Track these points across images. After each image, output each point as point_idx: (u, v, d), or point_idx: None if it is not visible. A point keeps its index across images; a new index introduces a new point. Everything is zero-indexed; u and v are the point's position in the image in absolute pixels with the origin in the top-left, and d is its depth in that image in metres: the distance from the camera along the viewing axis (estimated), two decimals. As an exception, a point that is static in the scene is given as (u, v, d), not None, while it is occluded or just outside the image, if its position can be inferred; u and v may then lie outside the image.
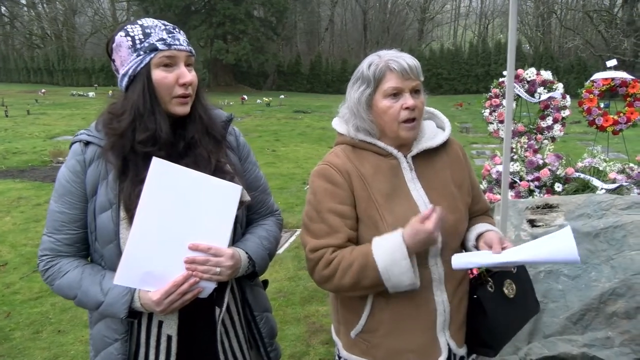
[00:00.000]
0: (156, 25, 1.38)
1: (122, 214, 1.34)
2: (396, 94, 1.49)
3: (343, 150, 1.59)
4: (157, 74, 1.34)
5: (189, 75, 1.37)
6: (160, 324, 1.41)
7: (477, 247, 1.58)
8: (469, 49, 30.28)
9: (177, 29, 1.41)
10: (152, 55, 1.34)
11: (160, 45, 1.34)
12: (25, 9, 41.91)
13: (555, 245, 1.40)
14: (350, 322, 1.60)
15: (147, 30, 1.36)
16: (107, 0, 39.72)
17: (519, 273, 1.71)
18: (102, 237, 1.37)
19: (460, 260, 1.48)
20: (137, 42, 1.35)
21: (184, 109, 1.38)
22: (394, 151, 1.55)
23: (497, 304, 1.60)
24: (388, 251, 1.42)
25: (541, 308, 2.78)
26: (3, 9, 41.87)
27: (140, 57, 1.34)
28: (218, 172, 1.40)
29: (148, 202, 1.30)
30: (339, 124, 1.63)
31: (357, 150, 1.58)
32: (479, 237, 1.60)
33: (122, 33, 1.37)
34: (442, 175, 1.59)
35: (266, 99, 21.44)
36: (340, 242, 1.49)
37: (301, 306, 3.89)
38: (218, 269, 1.35)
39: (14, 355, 3.35)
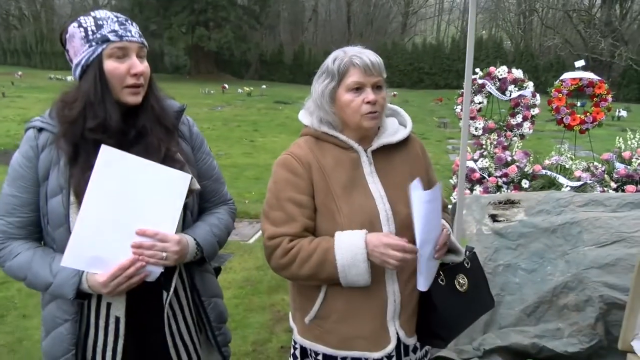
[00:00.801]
0: (108, 17, 1.41)
1: (72, 198, 1.38)
2: (358, 88, 1.55)
3: (306, 142, 1.65)
4: (109, 65, 1.38)
5: (141, 66, 1.41)
6: (108, 305, 1.45)
7: None
8: (451, 44, 30.49)
9: (129, 21, 1.45)
10: (104, 46, 1.37)
11: (112, 37, 1.38)
12: (3, -12, 40.85)
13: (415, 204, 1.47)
14: (305, 308, 1.66)
15: (100, 22, 1.39)
16: (88, -17, 38.92)
17: (473, 268, 1.77)
18: (53, 220, 1.40)
19: (425, 280, 1.56)
20: (90, 33, 1.38)
21: (136, 99, 1.42)
22: (355, 145, 1.61)
23: (447, 297, 1.66)
24: (349, 252, 1.49)
25: (498, 301, 2.88)
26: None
27: (93, 47, 1.38)
28: (168, 160, 1.44)
29: (96, 188, 1.34)
30: (304, 116, 1.69)
31: (320, 142, 1.63)
32: None
33: (75, 24, 1.40)
34: (400, 171, 1.65)
35: (247, 89, 21.33)
36: (296, 230, 1.55)
37: (267, 295, 3.94)
38: (164, 254, 1.40)
39: (-23, 339, 3.34)
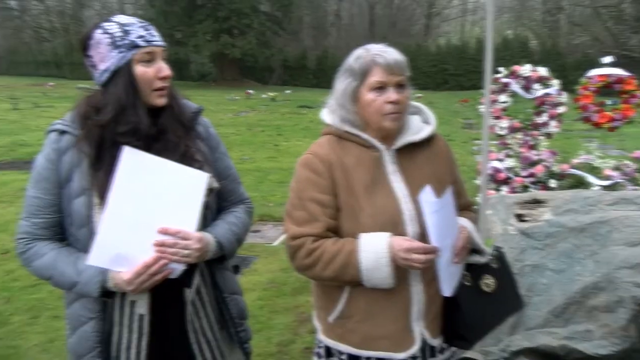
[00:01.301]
0: (133, 23, 1.46)
1: (96, 200, 1.42)
2: (381, 87, 1.53)
3: (328, 141, 1.64)
4: (139, 70, 1.43)
5: (168, 69, 1.46)
6: (132, 303, 1.48)
7: None
8: (476, 44, 30.10)
9: (151, 26, 1.50)
10: (133, 52, 1.42)
11: (140, 42, 1.43)
12: (35, 2, 42.10)
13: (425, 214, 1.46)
14: (328, 307, 1.66)
15: (126, 28, 1.44)
16: (115, -6, 39.85)
17: (500, 268, 1.74)
18: (76, 221, 1.45)
19: (448, 285, 1.54)
20: (117, 39, 1.42)
21: (163, 101, 1.48)
22: (377, 143, 1.60)
23: (472, 298, 1.64)
24: (372, 255, 1.48)
25: (525, 301, 2.82)
26: (13, 2, 42.12)
27: (122, 53, 1.42)
28: (187, 159, 1.48)
29: (119, 188, 1.38)
30: (326, 115, 1.68)
31: (341, 141, 1.62)
32: None
33: (99, 30, 1.44)
34: (423, 170, 1.63)
35: (271, 94, 21.45)
36: (319, 230, 1.55)
37: (292, 297, 3.95)
38: (186, 252, 1.43)
39: (12, 339, 3.45)
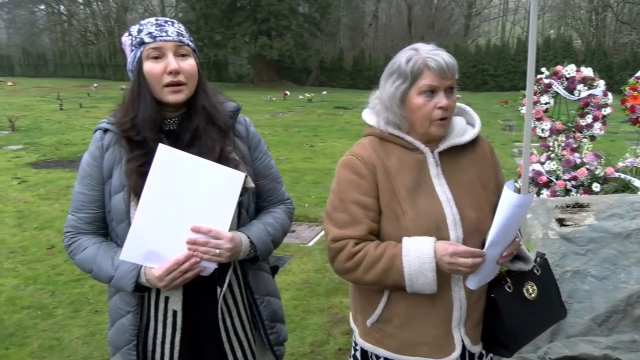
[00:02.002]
0: (148, 22, 1.48)
1: (132, 195, 1.45)
2: (431, 91, 1.49)
3: (370, 142, 1.61)
4: (147, 66, 1.44)
5: (174, 63, 1.43)
6: (166, 299, 1.51)
7: None
8: (517, 44, 29.43)
9: (169, 22, 1.49)
10: (141, 48, 1.44)
11: (146, 39, 1.44)
12: (82, 7, 43.63)
13: (502, 203, 1.41)
14: (367, 311, 1.63)
15: (140, 27, 1.47)
16: (157, -2, 40.90)
17: (543, 275, 1.70)
18: (116, 216, 1.49)
19: (477, 280, 1.50)
20: (133, 39, 1.46)
21: (176, 97, 1.46)
22: (421, 146, 1.56)
23: (514, 305, 1.60)
24: (417, 261, 1.44)
25: (566, 308, 2.74)
26: (62, 7, 43.78)
27: (133, 52, 1.46)
28: (222, 160, 1.48)
29: (153, 185, 1.40)
30: (369, 116, 1.65)
31: (384, 142, 1.59)
32: None
33: (127, 34, 1.50)
34: (467, 173, 1.59)
35: (308, 95, 21.53)
36: (361, 233, 1.52)
37: (326, 297, 3.96)
38: (218, 251, 1.43)
39: (56, 331, 3.59)
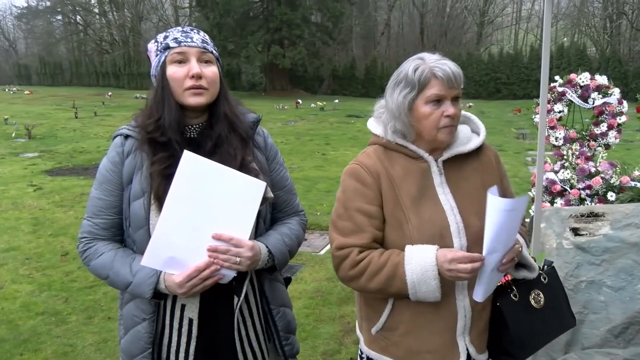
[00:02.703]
0: (175, 29, 1.51)
1: (153, 201, 1.46)
2: (438, 100, 1.50)
3: (375, 151, 1.62)
4: (170, 69, 1.47)
5: (197, 67, 1.46)
6: (183, 307, 1.51)
7: None
8: (530, 52, 29.29)
9: (195, 30, 1.52)
10: (166, 53, 1.47)
11: (172, 44, 1.47)
12: (98, 17, 44.34)
13: (490, 210, 1.40)
14: (372, 319, 1.64)
15: (167, 34, 1.50)
16: (171, 7, 41.43)
17: (551, 284, 1.68)
18: (135, 222, 1.48)
19: (483, 291, 1.49)
20: (159, 44, 1.49)
21: (197, 100, 1.47)
22: (425, 154, 1.57)
23: (520, 314, 1.59)
24: (419, 268, 1.45)
25: (581, 319, 2.70)
26: (78, 17, 44.55)
27: (158, 56, 1.48)
28: (244, 169, 1.48)
29: (177, 192, 1.40)
30: (374, 125, 1.66)
31: (388, 151, 1.60)
32: None
33: (153, 41, 1.53)
34: (472, 181, 1.59)
35: (320, 103, 21.61)
36: (365, 242, 1.53)
37: (337, 306, 3.94)
38: (238, 259, 1.43)
39: (69, 337, 3.62)
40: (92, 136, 13.67)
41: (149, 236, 1.44)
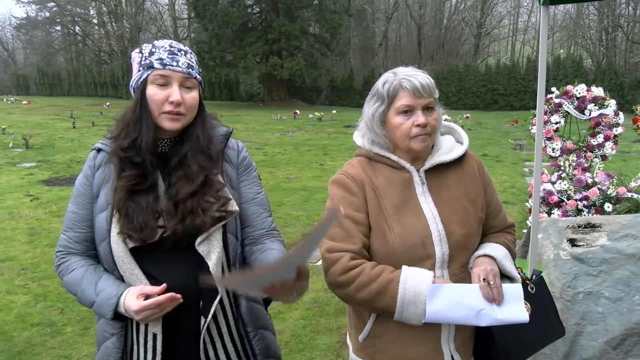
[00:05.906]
0: (162, 46, 1.48)
1: (114, 213, 1.44)
2: (408, 111, 1.55)
3: (359, 162, 1.67)
4: (150, 90, 1.45)
5: (177, 95, 1.44)
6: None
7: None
8: (527, 64, 29.50)
9: (182, 52, 1.50)
10: (148, 72, 1.45)
11: (156, 64, 1.45)
12: (96, 27, 44.55)
13: (508, 309, 1.48)
14: (359, 326, 1.66)
15: (153, 50, 1.47)
16: (170, 19, 41.67)
17: (538, 294, 1.67)
18: (98, 235, 1.48)
19: (433, 313, 1.48)
20: (143, 58, 1.47)
21: (173, 125, 1.46)
22: (407, 165, 1.61)
23: (505, 325, 1.55)
24: (413, 290, 1.46)
25: (579, 330, 2.70)
26: (77, 28, 44.78)
27: (140, 72, 1.47)
28: (207, 186, 1.47)
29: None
30: (357, 137, 1.72)
31: (372, 162, 1.65)
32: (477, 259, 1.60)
33: (137, 49, 1.51)
34: (455, 190, 1.62)
35: (318, 114, 21.68)
36: (356, 247, 1.54)
37: (335, 317, 3.93)
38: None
39: (64, 348, 3.59)
40: (89, 146, 13.60)
41: (110, 249, 1.42)
